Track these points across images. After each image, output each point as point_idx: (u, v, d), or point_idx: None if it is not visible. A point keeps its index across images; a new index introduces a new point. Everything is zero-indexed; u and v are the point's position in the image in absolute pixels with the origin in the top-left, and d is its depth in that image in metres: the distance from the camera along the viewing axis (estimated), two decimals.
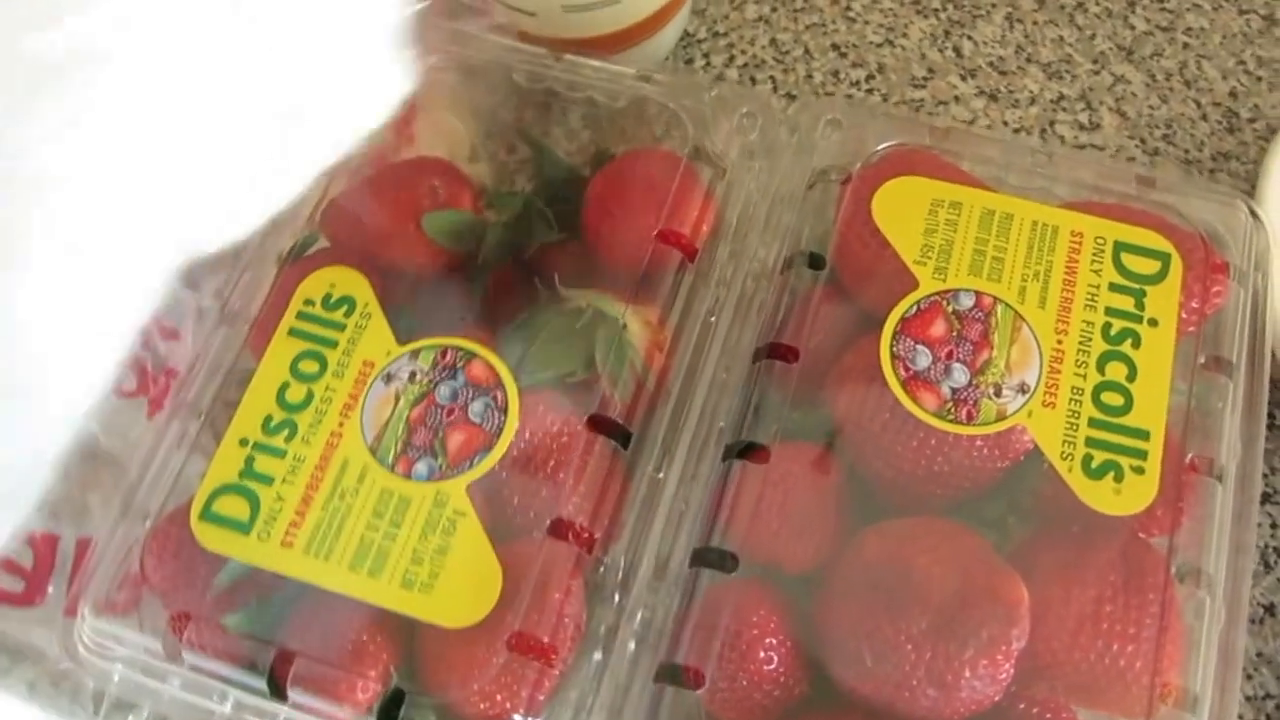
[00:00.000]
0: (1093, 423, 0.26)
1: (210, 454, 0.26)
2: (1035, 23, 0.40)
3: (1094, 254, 0.28)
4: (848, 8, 0.41)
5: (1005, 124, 0.38)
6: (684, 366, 0.28)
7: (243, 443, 0.26)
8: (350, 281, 0.28)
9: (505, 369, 0.27)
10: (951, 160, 0.30)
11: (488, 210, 0.30)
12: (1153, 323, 0.27)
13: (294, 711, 0.25)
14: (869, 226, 0.28)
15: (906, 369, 0.26)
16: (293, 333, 0.27)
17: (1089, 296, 0.27)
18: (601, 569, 0.26)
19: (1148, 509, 0.25)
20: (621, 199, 0.29)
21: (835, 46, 0.40)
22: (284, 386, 0.27)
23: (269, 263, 0.30)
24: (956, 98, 0.39)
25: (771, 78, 0.39)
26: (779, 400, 0.27)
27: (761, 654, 0.24)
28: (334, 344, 0.27)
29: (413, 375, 0.27)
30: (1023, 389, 0.26)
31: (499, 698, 0.24)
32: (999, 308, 0.27)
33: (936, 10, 0.41)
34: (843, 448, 0.26)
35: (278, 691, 0.24)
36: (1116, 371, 0.26)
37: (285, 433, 0.26)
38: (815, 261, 0.29)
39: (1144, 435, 0.26)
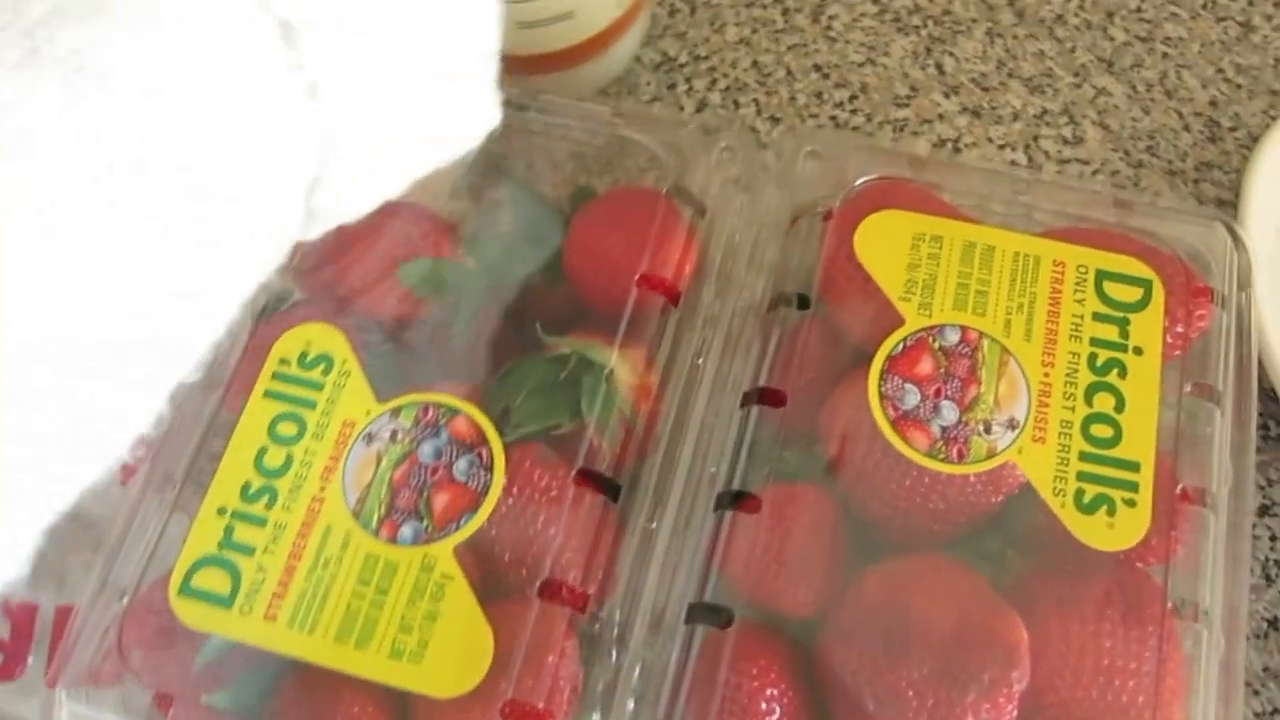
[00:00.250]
0: (1083, 456, 0.26)
1: (188, 519, 0.26)
2: (1015, 37, 0.40)
3: (1076, 283, 0.28)
4: (828, 27, 0.40)
5: (990, 140, 0.38)
6: (673, 411, 0.28)
7: (221, 511, 0.25)
8: (327, 338, 0.27)
9: (489, 424, 0.26)
10: (932, 191, 0.29)
11: (467, 256, 0.29)
12: (1138, 351, 0.27)
13: None
14: (852, 263, 0.28)
15: (895, 409, 0.26)
16: (269, 394, 0.27)
17: (1073, 327, 0.27)
18: (596, 625, 0.25)
19: (1142, 541, 0.25)
20: (602, 242, 0.29)
21: (817, 67, 0.39)
22: (262, 451, 0.26)
23: (243, 318, 0.29)
24: (940, 116, 0.38)
25: (755, 100, 0.39)
26: (770, 441, 0.27)
27: (763, 705, 0.24)
28: (312, 404, 0.27)
29: (394, 434, 0.26)
30: (1012, 424, 0.26)
31: None
32: (985, 342, 0.27)
33: (917, 27, 0.40)
34: (837, 488, 0.26)
35: None
36: (1104, 403, 0.26)
37: (265, 499, 0.25)
38: (802, 301, 0.28)
39: (1134, 467, 0.25)
